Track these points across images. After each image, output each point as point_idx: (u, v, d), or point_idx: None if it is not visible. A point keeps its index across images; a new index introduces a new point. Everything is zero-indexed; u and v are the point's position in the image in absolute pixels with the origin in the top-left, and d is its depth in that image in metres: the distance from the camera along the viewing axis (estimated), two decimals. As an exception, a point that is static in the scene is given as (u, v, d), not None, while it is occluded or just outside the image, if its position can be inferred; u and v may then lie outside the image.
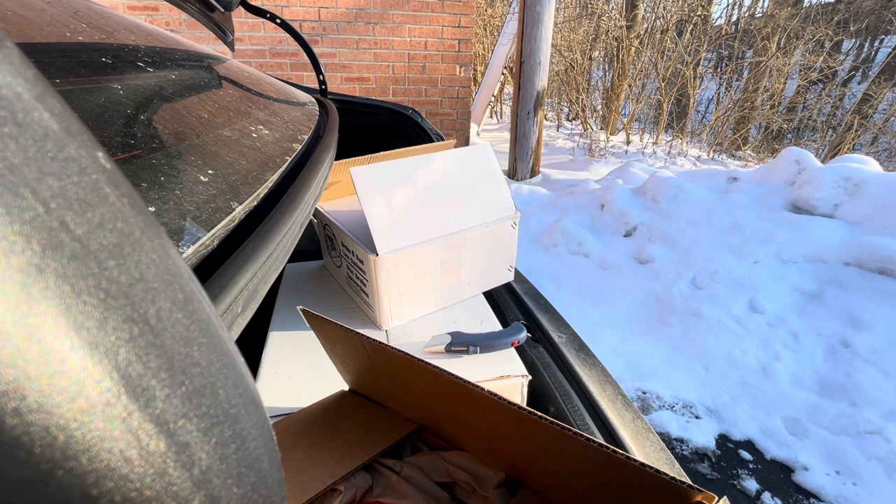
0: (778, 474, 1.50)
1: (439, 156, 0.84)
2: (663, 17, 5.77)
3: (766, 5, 6.19)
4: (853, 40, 6.44)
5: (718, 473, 1.52)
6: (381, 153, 1.00)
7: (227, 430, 0.15)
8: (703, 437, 1.62)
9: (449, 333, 0.73)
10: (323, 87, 1.34)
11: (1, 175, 0.10)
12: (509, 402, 0.37)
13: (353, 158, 0.97)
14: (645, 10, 6.08)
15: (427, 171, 0.82)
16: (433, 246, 0.78)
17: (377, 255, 0.72)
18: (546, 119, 7.11)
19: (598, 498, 0.38)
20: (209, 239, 0.35)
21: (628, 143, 5.80)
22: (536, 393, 0.72)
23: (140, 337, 0.12)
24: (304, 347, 0.74)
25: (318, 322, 0.52)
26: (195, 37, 3.17)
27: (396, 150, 1.01)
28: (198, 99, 0.61)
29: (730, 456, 1.57)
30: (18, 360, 0.10)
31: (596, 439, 0.33)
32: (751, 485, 1.47)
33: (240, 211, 0.41)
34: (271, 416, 0.60)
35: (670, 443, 1.63)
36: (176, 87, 0.59)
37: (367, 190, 0.74)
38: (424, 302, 0.83)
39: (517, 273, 0.97)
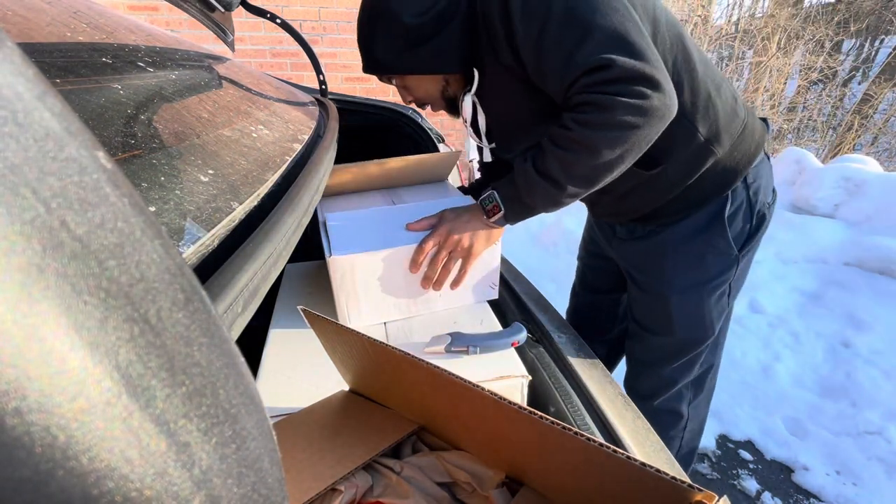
0: (778, 474, 1.50)
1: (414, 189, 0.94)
2: (663, 17, 5.76)
3: (766, 5, 6.19)
4: (853, 40, 6.43)
5: (718, 473, 1.52)
6: (378, 160, 0.98)
7: (227, 430, 0.15)
8: (703, 437, 1.62)
9: (449, 333, 0.73)
10: (323, 87, 1.34)
11: (2, 175, 0.10)
12: (509, 402, 0.37)
13: (348, 164, 0.95)
14: (645, 10, 6.07)
15: (397, 208, 0.91)
16: (394, 253, 0.78)
17: (331, 255, 0.74)
18: (546, 119, 7.07)
19: (598, 498, 0.38)
20: (209, 239, 0.35)
21: (628, 143, 5.79)
22: (536, 393, 0.72)
23: (140, 337, 0.12)
24: (304, 347, 0.74)
25: (318, 322, 0.52)
26: (195, 37, 3.17)
27: (399, 158, 0.99)
28: (198, 99, 0.61)
29: (730, 456, 1.57)
30: (19, 360, 0.10)
31: (596, 439, 0.33)
32: (751, 485, 1.47)
33: (240, 211, 0.41)
34: (271, 416, 0.60)
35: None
36: (176, 87, 0.59)
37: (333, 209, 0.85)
38: (386, 309, 0.82)
39: (517, 273, 0.97)
